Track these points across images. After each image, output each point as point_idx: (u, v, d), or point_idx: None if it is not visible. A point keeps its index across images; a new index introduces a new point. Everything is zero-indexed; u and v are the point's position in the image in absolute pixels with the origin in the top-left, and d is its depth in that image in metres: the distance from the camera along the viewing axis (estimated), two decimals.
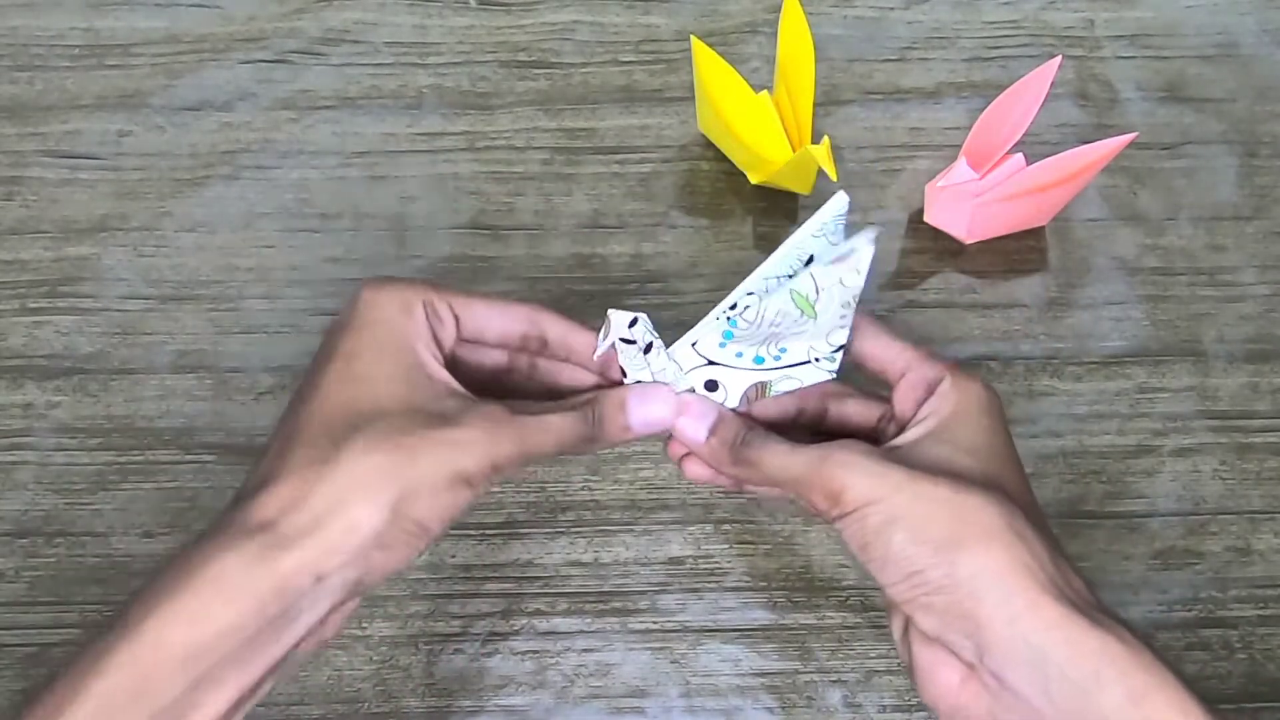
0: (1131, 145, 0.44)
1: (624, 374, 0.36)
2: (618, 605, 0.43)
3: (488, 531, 0.43)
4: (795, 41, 0.46)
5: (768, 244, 0.49)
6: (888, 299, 0.48)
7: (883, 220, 0.49)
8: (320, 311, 0.47)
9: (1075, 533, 0.43)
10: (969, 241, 0.48)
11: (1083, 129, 0.51)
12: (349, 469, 0.30)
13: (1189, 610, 0.42)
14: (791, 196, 0.50)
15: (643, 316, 0.35)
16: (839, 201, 0.34)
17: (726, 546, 0.44)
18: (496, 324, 0.36)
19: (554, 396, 0.36)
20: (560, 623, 0.42)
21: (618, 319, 0.34)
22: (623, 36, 0.53)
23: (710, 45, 0.46)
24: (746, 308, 0.34)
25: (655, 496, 0.44)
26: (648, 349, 0.35)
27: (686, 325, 0.47)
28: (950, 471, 0.33)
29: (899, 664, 0.42)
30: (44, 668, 0.42)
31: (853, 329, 0.35)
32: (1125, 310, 0.48)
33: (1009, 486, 0.33)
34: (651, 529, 0.44)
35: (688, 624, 0.42)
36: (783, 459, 0.34)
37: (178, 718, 0.28)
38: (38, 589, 0.43)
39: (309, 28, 0.53)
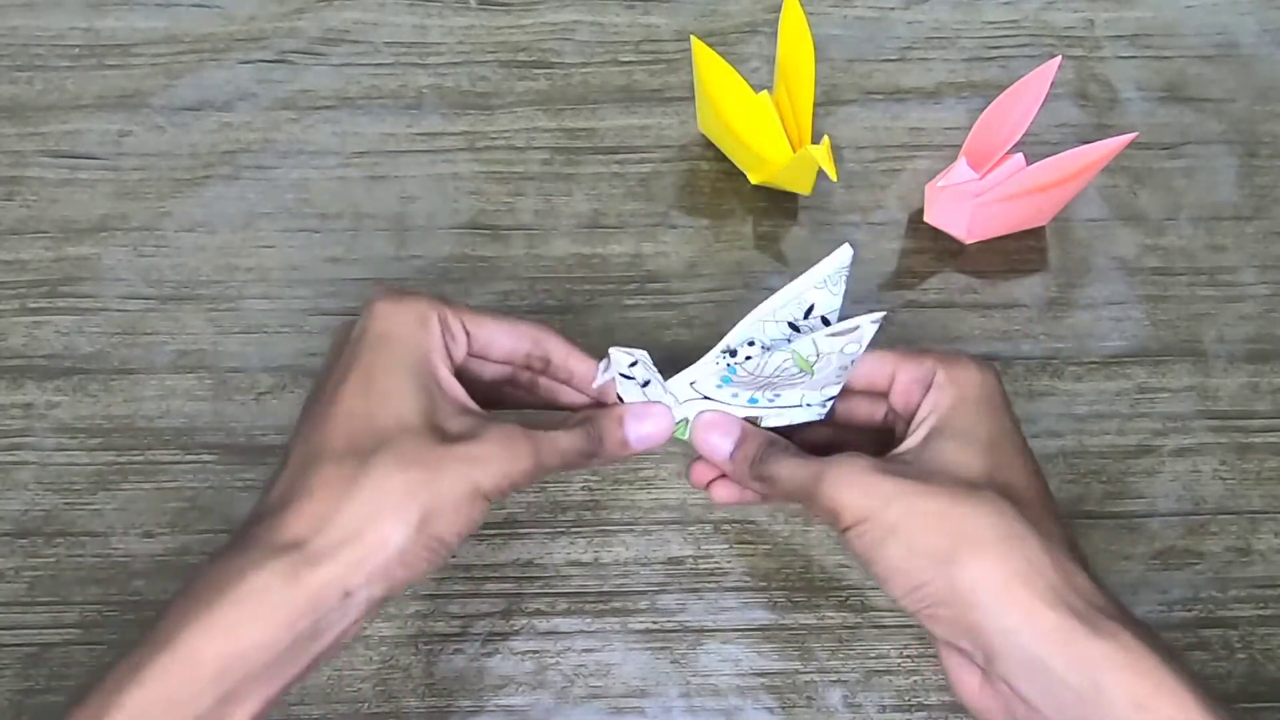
0: (1131, 145, 0.44)
1: (620, 400, 0.37)
2: (618, 605, 0.43)
3: (488, 531, 0.43)
4: (795, 41, 0.46)
5: (768, 244, 0.49)
6: (888, 299, 0.48)
7: (883, 220, 0.49)
8: (320, 311, 0.47)
9: (1076, 533, 0.43)
10: (969, 241, 0.48)
11: (1083, 129, 0.51)
12: (375, 487, 0.31)
13: (1189, 610, 0.42)
14: (791, 196, 0.50)
15: (643, 357, 0.35)
16: (843, 254, 0.35)
17: (726, 546, 0.44)
18: (503, 342, 0.36)
19: (551, 412, 0.38)
20: (560, 623, 0.42)
21: (619, 358, 0.35)
22: (623, 36, 0.53)
23: (710, 45, 0.46)
24: (748, 358, 0.35)
25: (655, 497, 0.44)
26: (645, 384, 0.37)
27: (686, 325, 0.47)
28: (949, 475, 0.33)
29: (899, 664, 0.42)
30: (44, 667, 0.42)
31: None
32: (1125, 310, 0.48)
33: (1012, 479, 0.33)
34: (651, 529, 0.44)
35: (688, 624, 0.42)
36: (790, 472, 0.35)
37: None
38: (38, 589, 0.43)
39: (309, 28, 0.53)
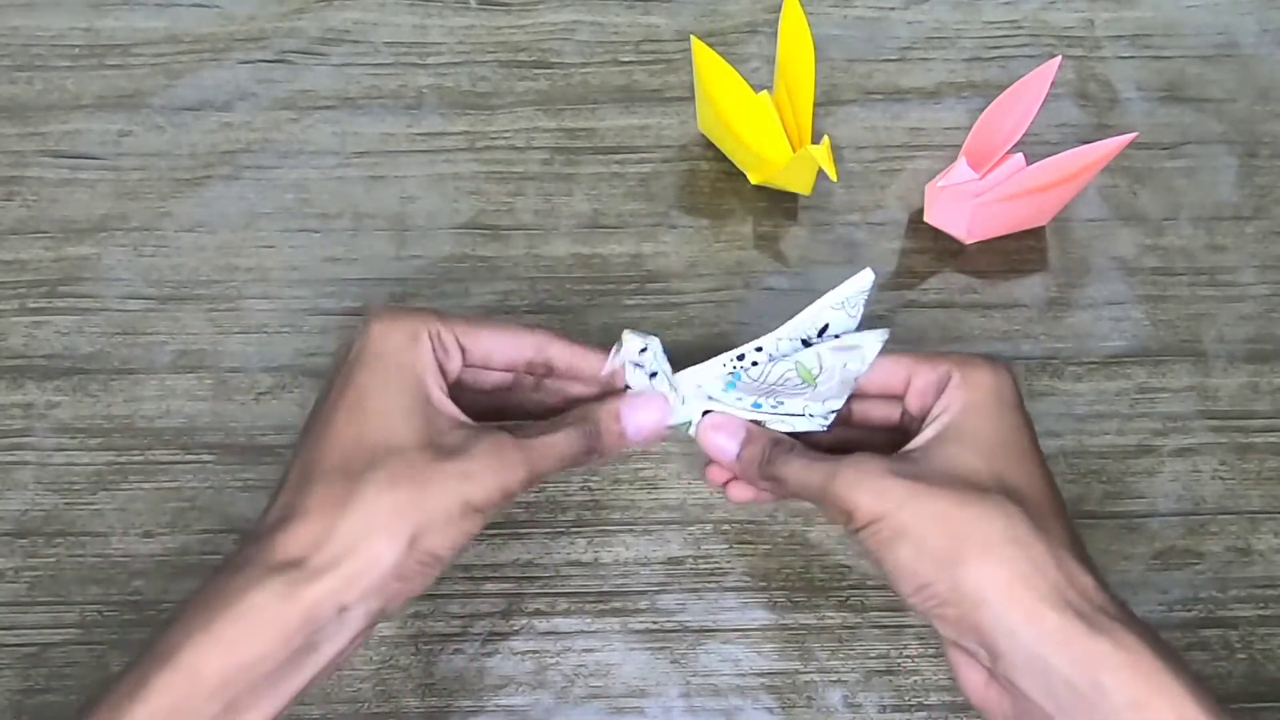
0: (1131, 145, 0.44)
1: (627, 388, 0.38)
2: (618, 605, 0.43)
3: (488, 531, 0.43)
4: (795, 41, 0.46)
5: (768, 244, 0.49)
6: (888, 299, 0.48)
7: (883, 220, 0.49)
8: (320, 311, 0.47)
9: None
10: (969, 241, 0.48)
11: (1083, 129, 0.51)
12: (368, 507, 0.32)
13: (1189, 610, 0.42)
14: (791, 196, 0.50)
15: (654, 343, 0.36)
16: (864, 278, 0.36)
17: (726, 546, 0.44)
18: (503, 352, 0.37)
19: (557, 411, 0.37)
20: (560, 623, 0.42)
21: (631, 343, 0.36)
22: (623, 36, 0.53)
23: (710, 45, 0.46)
24: (754, 364, 0.36)
25: (655, 496, 0.44)
26: (653, 375, 0.37)
27: (686, 325, 0.47)
28: (956, 477, 0.33)
29: (899, 664, 0.42)
30: (44, 667, 0.42)
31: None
32: (1125, 310, 0.48)
33: (1019, 481, 0.33)
34: (651, 529, 0.44)
35: (688, 624, 0.42)
36: (801, 474, 0.35)
37: None
38: (38, 589, 0.43)
39: (309, 28, 0.53)
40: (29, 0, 0.54)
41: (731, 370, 0.36)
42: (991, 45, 0.53)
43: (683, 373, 0.37)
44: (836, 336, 0.37)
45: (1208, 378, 0.46)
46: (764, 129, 0.47)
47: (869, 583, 0.43)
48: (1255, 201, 0.50)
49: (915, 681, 0.42)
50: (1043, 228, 0.49)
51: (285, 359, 0.47)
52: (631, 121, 0.51)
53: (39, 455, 0.45)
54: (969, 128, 0.46)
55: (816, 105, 0.49)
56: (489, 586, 0.43)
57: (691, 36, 0.46)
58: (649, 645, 0.42)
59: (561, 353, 0.37)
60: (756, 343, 0.36)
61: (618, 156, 0.51)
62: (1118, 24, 0.54)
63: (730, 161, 0.50)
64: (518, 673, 0.42)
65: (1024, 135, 0.45)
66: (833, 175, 0.42)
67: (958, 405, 0.35)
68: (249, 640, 0.30)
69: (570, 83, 0.52)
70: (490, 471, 0.33)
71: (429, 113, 0.51)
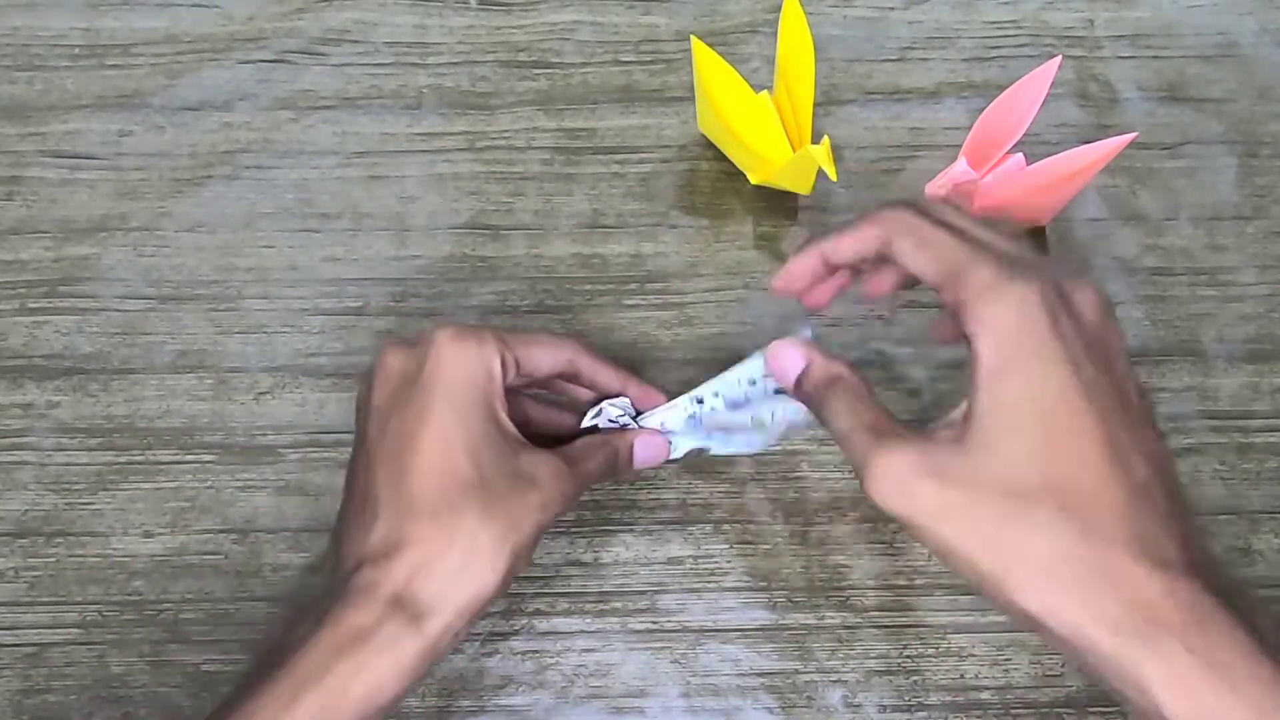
0: (1131, 145, 0.44)
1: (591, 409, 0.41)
2: (618, 605, 0.43)
3: None
4: (795, 41, 0.46)
5: (768, 244, 0.49)
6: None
7: None
8: (320, 311, 0.47)
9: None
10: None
11: (1083, 129, 0.51)
12: (471, 540, 0.34)
13: None
14: (791, 196, 0.50)
15: (626, 406, 0.40)
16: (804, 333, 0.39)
17: (726, 546, 0.44)
18: (545, 365, 0.39)
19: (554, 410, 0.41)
20: (560, 623, 0.42)
21: (610, 412, 0.40)
22: (623, 36, 0.53)
23: (710, 45, 0.46)
24: (713, 410, 0.40)
25: (655, 496, 0.44)
26: (624, 426, 0.41)
27: (686, 325, 0.47)
28: (997, 483, 0.30)
29: (899, 664, 0.42)
30: (44, 667, 0.42)
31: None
32: (1125, 310, 0.48)
33: (1067, 473, 0.30)
34: (651, 529, 0.44)
35: (688, 624, 0.42)
36: (839, 430, 0.34)
37: None
38: (38, 589, 0.43)
39: (309, 28, 0.53)
40: (29, 0, 0.54)
41: (691, 414, 0.40)
42: (991, 45, 0.53)
43: (648, 414, 0.41)
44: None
45: (1208, 378, 0.46)
46: (764, 129, 0.47)
47: (869, 583, 0.43)
48: (1255, 201, 0.50)
49: (915, 681, 0.42)
50: (1043, 228, 0.49)
51: (285, 359, 0.47)
52: (631, 121, 0.51)
53: (39, 455, 0.45)
54: (969, 128, 0.46)
55: (816, 105, 0.49)
56: None
57: (691, 36, 0.46)
58: (649, 645, 0.42)
59: (587, 365, 0.40)
60: (713, 387, 0.40)
61: (618, 156, 0.51)
62: (1118, 24, 0.54)
63: (730, 161, 0.50)
64: (518, 673, 0.42)
65: (1024, 135, 0.45)
66: (833, 175, 0.42)
67: (985, 367, 0.30)
68: (390, 671, 0.33)
69: (570, 83, 0.52)
70: (558, 499, 0.36)
71: (429, 113, 0.51)
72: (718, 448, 0.42)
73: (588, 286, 0.48)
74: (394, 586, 0.34)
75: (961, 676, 0.42)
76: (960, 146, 0.46)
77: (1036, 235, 0.49)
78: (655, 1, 0.54)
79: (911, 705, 0.41)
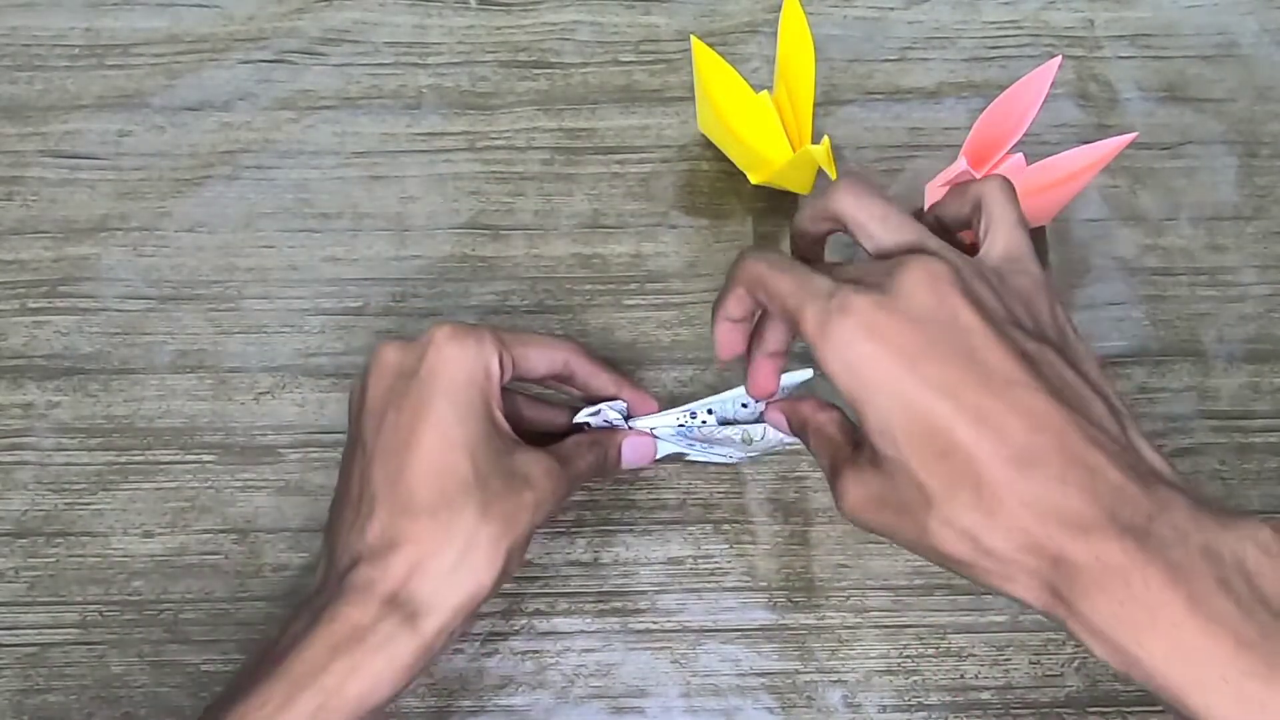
0: (1131, 145, 0.44)
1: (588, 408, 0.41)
2: (618, 605, 0.43)
3: None
4: (795, 41, 0.46)
5: (768, 244, 0.49)
6: None
7: None
8: (320, 311, 0.47)
9: None
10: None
11: (1083, 129, 0.51)
12: (468, 539, 0.34)
13: None
14: (791, 196, 0.50)
15: (621, 408, 0.41)
16: (803, 374, 0.41)
17: (726, 546, 0.44)
18: (541, 366, 0.39)
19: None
20: (560, 623, 0.42)
21: (608, 414, 0.41)
22: (623, 36, 0.53)
23: (710, 45, 0.46)
24: (704, 423, 0.41)
25: (655, 496, 0.44)
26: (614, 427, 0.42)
27: (686, 325, 0.47)
28: (911, 503, 0.30)
29: (899, 664, 0.42)
30: (44, 667, 0.42)
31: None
32: (1125, 310, 0.48)
33: (955, 471, 0.29)
34: (651, 529, 0.44)
35: (688, 624, 0.42)
36: (818, 463, 0.36)
37: None
38: (38, 589, 0.43)
39: (309, 28, 0.53)
40: (29, 0, 0.54)
41: (683, 424, 0.41)
42: (991, 45, 0.53)
43: (639, 419, 0.41)
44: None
45: (1208, 378, 0.46)
46: (764, 129, 0.47)
47: (869, 583, 0.43)
48: (1255, 201, 0.50)
49: (915, 681, 0.42)
50: (1043, 228, 0.49)
51: (285, 359, 0.47)
52: (631, 121, 0.51)
53: (39, 455, 0.45)
54: (969, 128, 0.46)
55: (816, 105, 0.49)
56: None
57: (691, 36, 0.46)
58: (649, 645, 0.42)
59: (582, 368, 0.40)
60: (707, 404, 0.41)
61: (618, 156, 0.51)
62: (1118, 24, 0.54)
63: (730, 161, 0.50)
64: (518, 673, 0.42)
65: (1024, 135, 0.45)
66: (833, 175, 0.42)
67: (848, 400, 0.31)
68: (386, 670, 0.33)
69: (570, 83, 0.52)
70: (551, 498, 0.36)
71: (429, 113, 0.51)
72: (698, 455, 0.43)
73: (588, 286, 0.48)
74: (390, 585, 0.34)
75: (961, 676, 0.42)
76: (960, 146, 0.46)
77: (1036, 235, 0.49)
78: (655, 1, 0.54)
79: (911, 705, 0.41)
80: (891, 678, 0.42)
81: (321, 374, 0.46)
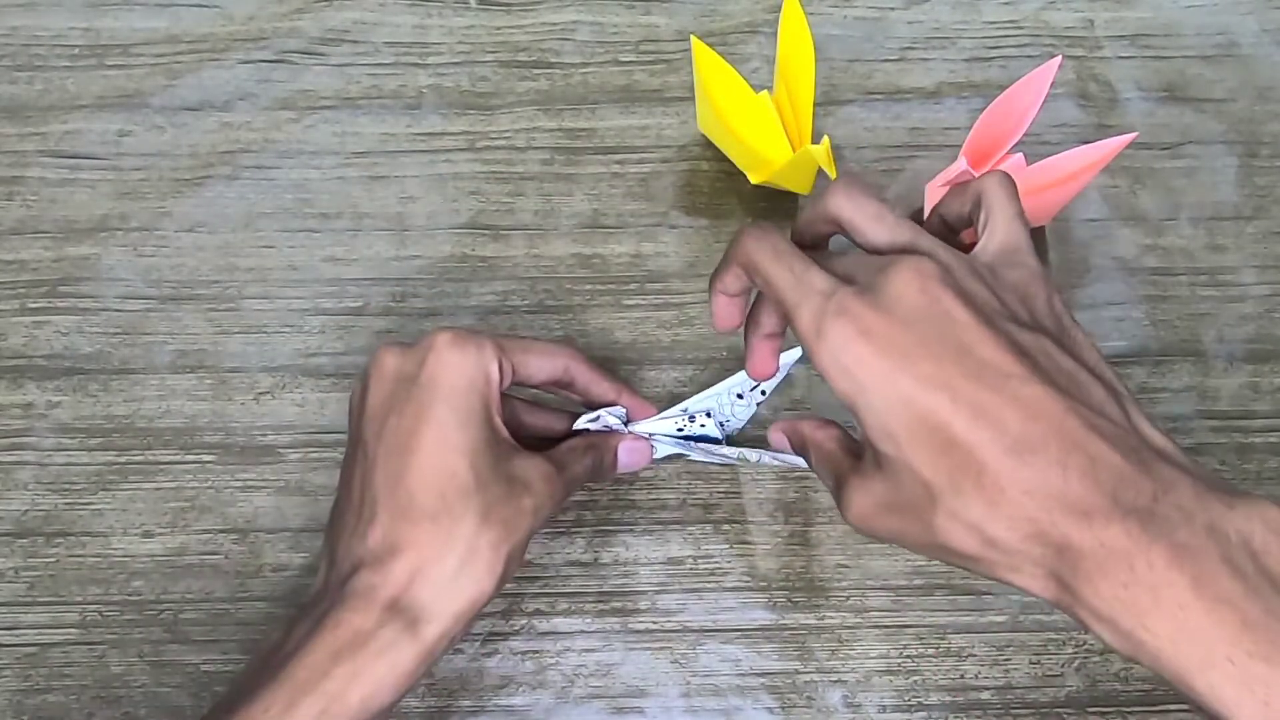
0: (1131, 145, 0.44)
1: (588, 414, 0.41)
2: (618, 605, 0.43)
3: None
4: (795, 41, 0.46)
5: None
6: None
7: None
8: (320, 311, 0.47)
9: None
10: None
11: (1083, 129, 0.51)
12: (468, 544, 0.34)
13: None
14: (791, 196, 0.50)
15: (621, 414, 0.41)
16: (791, 354, 0.41)
17: (726, 546, 0.44)
18: (541, 372, 0.39)
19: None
20: (560, 623, 0.42)
21: (607, 420, 0.41)
22: (623, 36, 0.53)
23: (710, 45, 0.46)
24: (702, 426, 0.42)
25: (655, 497, 0.44)
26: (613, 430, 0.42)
27: (686, 325, 0.47)
28: (914, 503, 0.30)
29: (899, 664, 0.42)
30: (44, 667, 0.42)
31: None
32: (1125, 310, 0.48)
33: (955, 466, 0.29)
34: (651, 529, 0.44)
35: (688, 624, 0.42)
36: (820, 477, 0.36)
37: None
38: (38, 589, 0.43)
39: (309, 28, 0.53)
40: (29, 0, 0.54)
41: (681, 428, 0.42)
42: (991, 45, 0.53)
43: (638, 423, 0.42)
44: (763, 392, 0.43)
45: (1208, 378, 0.46)
46: (764, 129, 0.47)
47: (869, 583, 0.43)
48: (1255, 201, 0.50)
49: (915, 681, 0.42)
50: (1043, 228, 0.49)
51: (285, 359, 0.47)
52: (631, 121, 0.51)
53: (39, 455, 0.45)
54: (969, 128, 0.46)
55: (816, 105, 0.49)
56: None
57: (691, 36, 0.46)
58: (649, 645, 0.42)
59: (582, 374, 0.40)
60: (703, 405, 0.42)
61: (618, 156, 0.51)
62: (1118, 24, 0.54)
63: (730, 161, 0.50)
64: (518, 673, 0.42)
65: (1024, 135, 0.45)
66: (833, 175, 0.42)
67: (845, 402, 0.31)
68: (388, 676, 0.33)
69: (570, 83, 0.52)
70: (549, 503, 0.37)
71: (429, 113, 0.51)
72: (698, 456, 0.43)
73: (588, 286, 0.48)
74: (392, 591, 0.34)
75: (961, 676, 0.42)
76: (960, 146, 0.46)
77: (1036, 235, 0.49)
78: (655, 1, 0.54)
79: (911, 705, 0.41)
80: (891, 678, 0.42)
81: (321, 374, 0.46)
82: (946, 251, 0.32)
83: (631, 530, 0.44)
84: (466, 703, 0.41)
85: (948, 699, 0.41)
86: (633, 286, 0.48)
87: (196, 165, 0.50)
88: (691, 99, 0.51)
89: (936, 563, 0.43)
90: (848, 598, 0.43)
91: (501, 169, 0.50)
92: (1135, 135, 0.44)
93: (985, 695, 0.41)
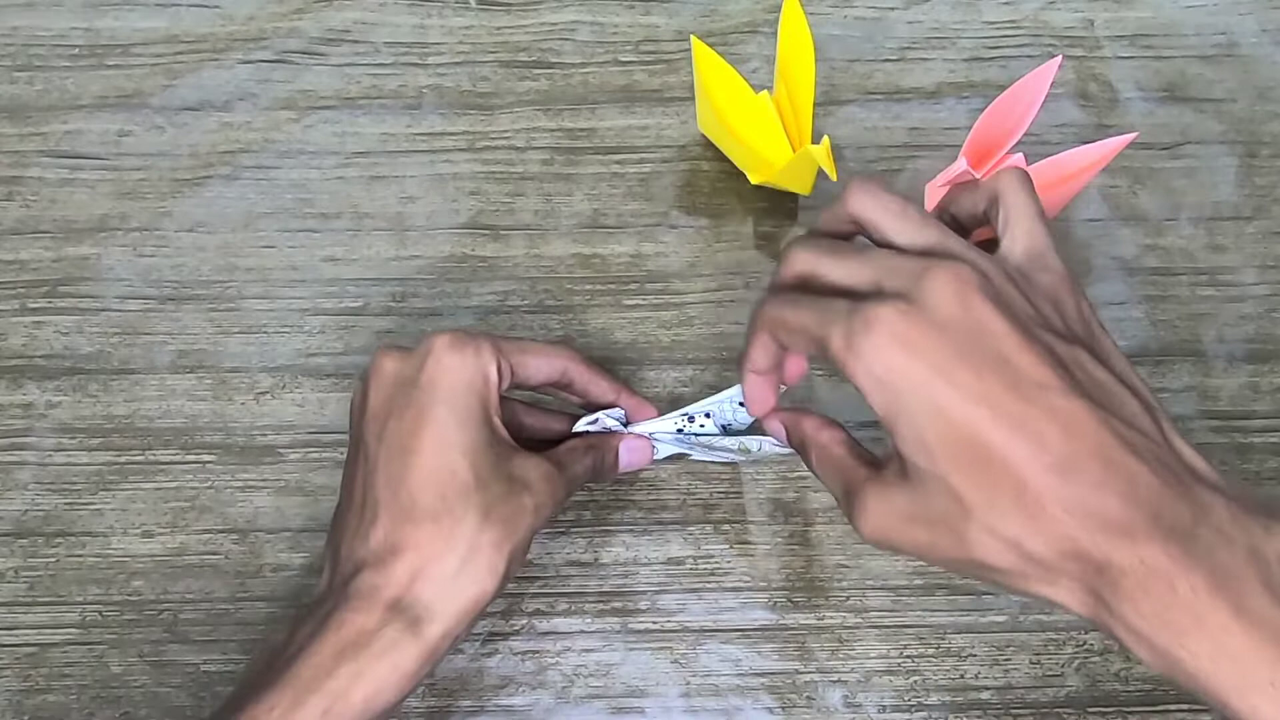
0: (1131, 145, 0.44)
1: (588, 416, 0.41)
2: (618, 605, 0.43)
3: None
4: (795, 41, 0.46)
5: (768, 244, 0.49)
6: None
7: None
8: (320, 311, 0.47)
9: None
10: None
11: (1083, 129, 0.51)
12: (469, 543, 0.34)
13: None
14: (791, 196, 0.50)
15: (620, 416, 0.41)
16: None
17: (726, 546, 0.44)
18: (539, 374, 0.39)
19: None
20: (560, 623, 0.42)
21: (606, 421, 0.41)
22: (623, 36, 0.53)
23: (710, 45, 0.46)
24: (701, 427, 0.42)
25: (655, 497, 0.44)
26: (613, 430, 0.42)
27: (686, 324, 0.47)
28: (943, 517, 0.30)
29: (899, 664, 0.42)
30: (44, 667, 0.42)
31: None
32: (1125, 310, 0.48)
33: (992, 482, 0.29)
34: (651, 529, 0.44)
35: (688, 624, 0.42)
36: (821, 480, 0.36)
37: None
38: (38, 589, 0.43)
39: (309, 28, 0.53)
40: (29, 0, 0.54)
41: (680, 428, 0.42)
42: (991, 45, 0.53)
43: (638, 424, 0.42)
44: None
45: (1208, 378, 0.46)
46: (764, 129, 0.47)
47: (869, 583, 0.43)
48: (1255, 201, 0.50)
49: (915, 681, 0.42)
50: None
51: (285, 359, 0.47)
52: (631, 121, 0.51)
53: (39, 455, 0.45)
54: (969, 128, 0.46)
55: (816, 105, 0.49)
56: None
57: (691, 36, 0.46)
58: (649, 645, 0.42)
59: (580, 375, 0.40)
60: (704, 408, 0.42)
61: (618, 156, 0.51)
62: (1118, 24, 0.54)
63: (730, 161, 0.50)
64: (518, 673, 0.42)
65: (1024, 135, 0.45)
66: (833, 175, 0.42)
67: (881, 417, 0.31)
68: (390, 675, 0.33)
69: (570, 83, 0.52)
70: (550, 502, 0.37)
71: (429, 113, 0.51)
72: (699, 455, 0.43)
73: (588, 286, 0.48)
74: (394, 591, 0.34)
75: (961, 676, 0.42)
76: (960, 146, 0.46)
77: None
78: (655, 1, 0.54)
79: (911, 705, 0.41)
80: (891, 678, 0.42)
81: (321, 374, 0.46)
82: (980, 255, 0.32)
83: (631, 530, 0.44)
84: (466, 703, 0.41)
85: (948, 699, 0.41)
86: (633, 286, 0.48)
87: (196, 165, 0.50)
88: (691, 99, 0.51)
89: None
90: (848, 598, 0.43)
91: (501, 169, 0.50)
92: (1135, 135, 0.44)
93: (985, 695, 0.41)
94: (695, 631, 0.42)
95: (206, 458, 0.45)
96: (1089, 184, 0.48)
